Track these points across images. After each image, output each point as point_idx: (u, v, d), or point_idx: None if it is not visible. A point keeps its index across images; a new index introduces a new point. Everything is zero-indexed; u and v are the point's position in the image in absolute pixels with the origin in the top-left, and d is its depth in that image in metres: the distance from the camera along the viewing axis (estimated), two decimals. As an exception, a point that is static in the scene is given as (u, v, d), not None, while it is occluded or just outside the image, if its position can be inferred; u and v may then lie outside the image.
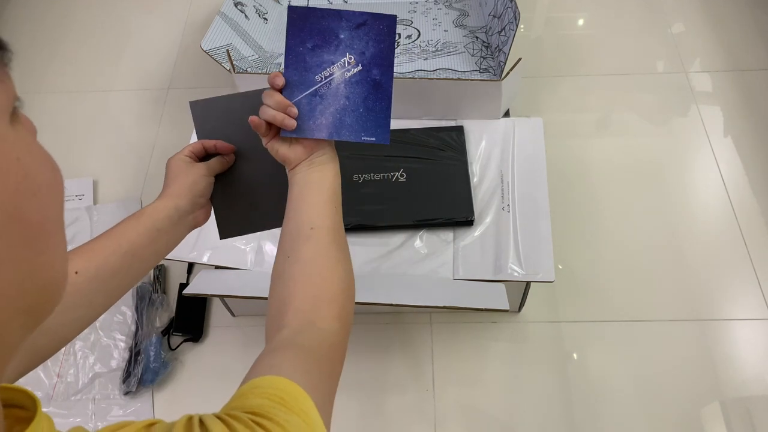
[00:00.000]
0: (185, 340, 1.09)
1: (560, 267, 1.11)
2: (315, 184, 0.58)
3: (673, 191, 1.22)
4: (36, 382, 1.04)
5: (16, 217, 0.24)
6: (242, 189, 0.68)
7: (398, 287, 0.95)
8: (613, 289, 1.10)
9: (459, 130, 1.10)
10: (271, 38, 1.33)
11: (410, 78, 1.13)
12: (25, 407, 0.31)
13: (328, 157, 0.60)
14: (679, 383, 1.00)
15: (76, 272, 0.52)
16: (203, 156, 0.67)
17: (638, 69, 1.42)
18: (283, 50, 1.29)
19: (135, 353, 1.05)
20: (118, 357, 1.07)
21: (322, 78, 0.59)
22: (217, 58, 1.12)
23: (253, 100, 0.66)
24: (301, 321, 0.50)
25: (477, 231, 1.01)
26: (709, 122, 1.31)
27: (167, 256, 0.96)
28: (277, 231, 1.02)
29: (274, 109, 0.57)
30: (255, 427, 0.34)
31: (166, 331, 1.09)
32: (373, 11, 0.59)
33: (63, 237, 0.28)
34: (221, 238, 0.70)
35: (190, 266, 1.17)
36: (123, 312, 1.11)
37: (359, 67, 0.59)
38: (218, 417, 0.35)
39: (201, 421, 0.35)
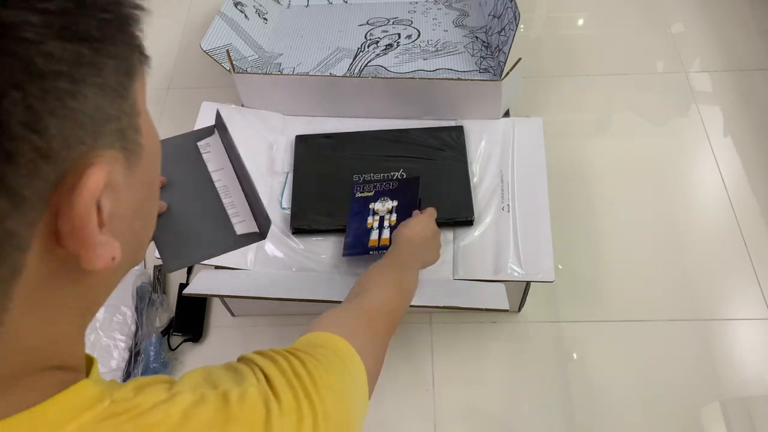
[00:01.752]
0: (185, 340, 1.09)
1: (560, 267, 1.11)
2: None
3: (672, 191, 1.21)
4: (36, 382, 1.04)
5: (155, 183, 0.33)
6: (181, 225, 0.72)
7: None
8: (613, 289, 1.10)
9: (459, 130, 1.10)
10: (270, 38, 1.33)
11: (410, 78, 1.13)
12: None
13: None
14: (679, 383, 1.00)
15: None
16: None
17: (638, 69, 1.42)
18: (282, 50, 1.29)
19: (135, 353, 1.05)
20: (118, 357, 1.07)
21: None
22: (217, 58, 1.12)
23: (179, 142, 0.71)
24: (361, 289, 0.65)
25: (477, 231, 1.00)
26: (709, 122, 1.31)
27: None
28: (276, 231, 1.03)
29: None
30: (288, 356, 0.40)
31: (166, 332, 1.09)
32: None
33: None
34: (168, 273, 0.72)
35: (190, 266, 1.17)
36: (123, 312, 1.11)
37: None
38: (258, 352, 0.42)
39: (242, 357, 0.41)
